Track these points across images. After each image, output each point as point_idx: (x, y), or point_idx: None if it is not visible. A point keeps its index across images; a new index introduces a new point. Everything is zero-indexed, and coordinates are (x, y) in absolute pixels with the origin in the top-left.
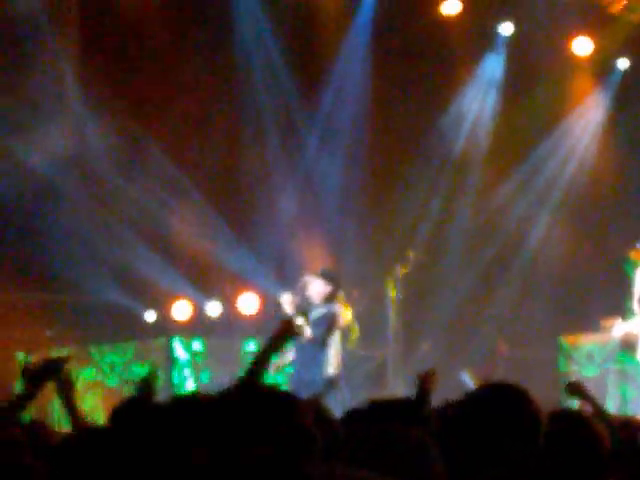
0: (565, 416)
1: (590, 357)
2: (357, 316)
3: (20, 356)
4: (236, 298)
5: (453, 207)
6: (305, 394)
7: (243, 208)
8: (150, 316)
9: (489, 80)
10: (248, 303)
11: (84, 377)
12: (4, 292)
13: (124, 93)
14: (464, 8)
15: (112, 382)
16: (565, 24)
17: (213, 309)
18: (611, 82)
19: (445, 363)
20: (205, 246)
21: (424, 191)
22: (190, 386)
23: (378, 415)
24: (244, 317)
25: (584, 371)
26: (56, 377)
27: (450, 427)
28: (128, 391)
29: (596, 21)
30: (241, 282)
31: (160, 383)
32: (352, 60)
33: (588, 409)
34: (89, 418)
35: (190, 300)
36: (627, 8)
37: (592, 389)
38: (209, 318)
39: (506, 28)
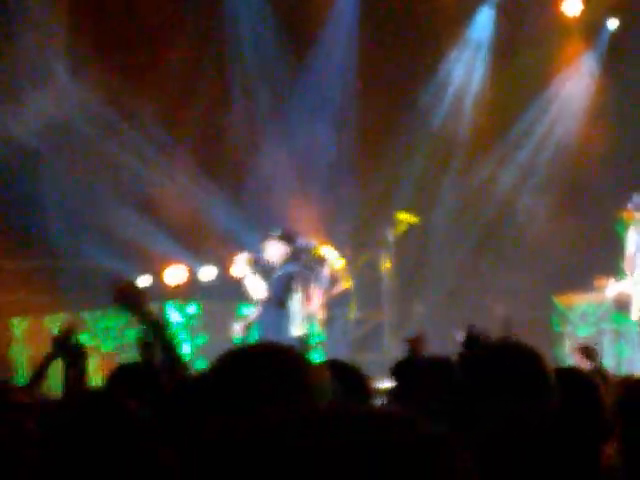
0: (567, 374)
1: (584, 317)
2: (353, 281)
3: (15, 322)
4: (230, 262)
5: (444, 172)
6: None
7: (234, 171)
8: (144, 281)
9: (477, 43)
10: (241, 266)
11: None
12: None
13: (110, 57)
14: None
15: (107, 347)
16: None
17: (207, 273)
18: (600, 42)
19: (440, 325)
20: (198, 211)
21: (415, 156)
22: (186, 350)
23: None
24: (238, 280)
25: (578, 331)
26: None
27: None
28: (124, 355)
29: None
30: (235, 246)
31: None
32: (340, 24)
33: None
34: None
35: (184, 264)
36: None
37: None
38: (203, 282)
39: None
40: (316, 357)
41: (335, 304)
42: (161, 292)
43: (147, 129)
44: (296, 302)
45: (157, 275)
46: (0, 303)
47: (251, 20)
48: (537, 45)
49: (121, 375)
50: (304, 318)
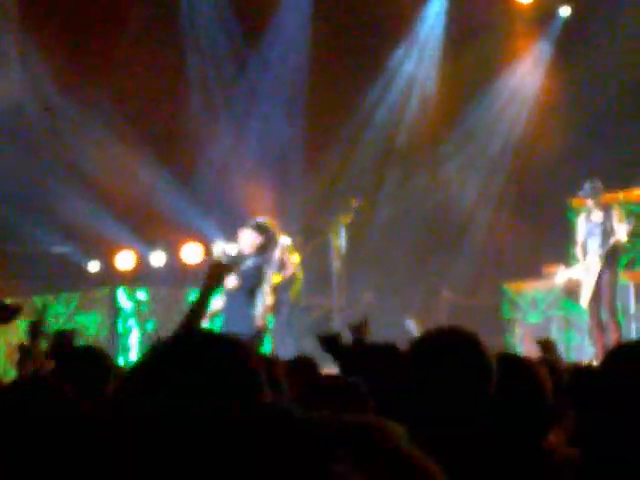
0: (506, 358)
1: (534, 304)
2: (302, 266)
3: None
4: (180, 248)
5: (392, 159)
6: None
7: (186, 157)
8: (94, 266)
9: (429, 31)
10: (192, 252)
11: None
12: None
13: (61, 40)
14: None
15: None
16: None
17: (157, 259)
18: (552, 30)
19: (389, 311)
20: (149, 196)
21: (363, 143)
22: (135, 335)
23: None
24: (188, 266)
25: (528, 318)
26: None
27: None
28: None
29: None
30: (185, 232)
31: (105, 333)
32: (292, 12)
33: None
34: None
35: (134, 250)
36: None
37: (536, 336)
38: (153, 268)
39: None
40: (264, 344)
41: (283, 289)
42: (111, 277)
43: (97, 113)
44: (263, 293)
45: (106, 260)
46: None
47: (204, 5)
48: (489, 34)
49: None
50: (267, 309)
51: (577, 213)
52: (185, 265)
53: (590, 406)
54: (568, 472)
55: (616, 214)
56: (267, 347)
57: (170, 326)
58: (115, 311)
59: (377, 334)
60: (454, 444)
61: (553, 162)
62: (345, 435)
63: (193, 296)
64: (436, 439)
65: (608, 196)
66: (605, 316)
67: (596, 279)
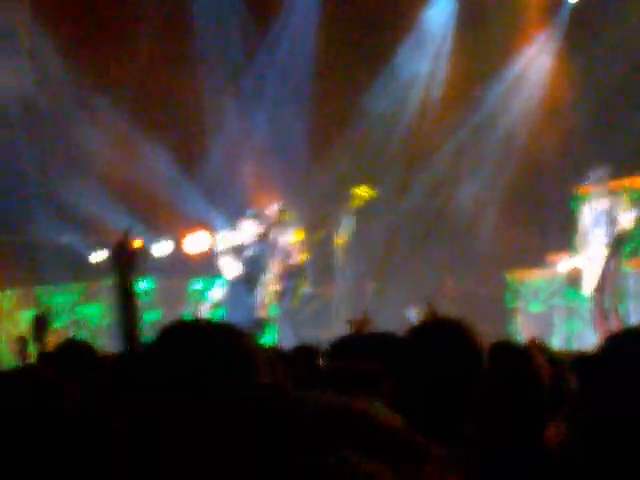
0: (503, 347)
1: (536, 293)
2: (308, 253)
3: None
4: (185, 237)
5: (399, 151)
6: None
7: (193, 148)
8: (97, 256)
9: (438, 23)
10: (197, 242)
11: (29, 318)
12: None
13: (72, 28)
14: None
15: (59, 323)
16: None
17: (162, 248)
18: (561, 17)
19: (392, 301)
20: (154, 186)
21: (371, 133)
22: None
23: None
24: (194, 256)
25: (531, 307)
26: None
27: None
28: (76, 332)
29: None
30: (190, 221)
31: (108, 323)
32: (302, 5)
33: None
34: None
35: (139, 238)
36: None
37: (539, 325)
38: (158, 257)
39: None
40: (268, 331)
41: (288, 277)
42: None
43: (106, 103)
44: (266, 282)
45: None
46: None
47: None
48: (496, 21)
49: (67, 351)
50: (269, 298)
51: (582, 201)
52: (188, 255)
53: (592, 392)
54: (569, 464)
55: (622, 202)
56: (271, 336)
57: (173, 315)
58: None
59: (381, 325)
60: (447, 435)
61: (558, 150)
62: (333, 414)
63: (197, 286)
64: (430, 429)
65: (614, 184)
66: (608, 304)
67: (601, 267)
